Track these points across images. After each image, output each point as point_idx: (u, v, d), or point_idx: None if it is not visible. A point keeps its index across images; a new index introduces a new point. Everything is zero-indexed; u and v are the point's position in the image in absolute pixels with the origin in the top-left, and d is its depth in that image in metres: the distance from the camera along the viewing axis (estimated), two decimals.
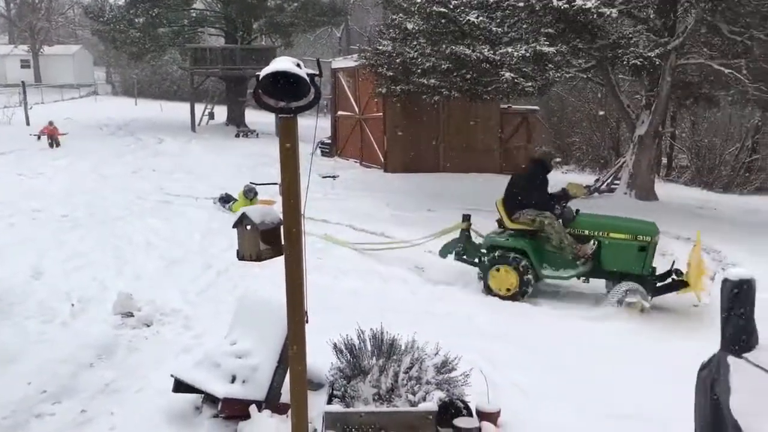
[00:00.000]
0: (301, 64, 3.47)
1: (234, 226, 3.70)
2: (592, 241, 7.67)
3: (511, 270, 7.75)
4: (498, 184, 18.06)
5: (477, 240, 8.73)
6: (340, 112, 22.97)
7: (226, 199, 13.12)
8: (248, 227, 3.65)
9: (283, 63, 3.41)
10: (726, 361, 3.39)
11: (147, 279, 8.04)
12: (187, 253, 9.42)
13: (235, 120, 30.44)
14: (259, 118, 31.54)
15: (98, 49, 54.08)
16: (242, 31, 30.04)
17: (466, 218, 8.84)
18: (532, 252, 7.78)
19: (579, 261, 7.67)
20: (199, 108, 30.13)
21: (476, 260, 8.37)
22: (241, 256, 3.70)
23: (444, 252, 8.87)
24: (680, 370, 5.06)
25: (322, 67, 3.50)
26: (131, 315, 6.59)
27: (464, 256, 8.66)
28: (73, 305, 6.85)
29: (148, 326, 6.43)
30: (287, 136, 3.52)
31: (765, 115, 22.55)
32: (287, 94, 3.41)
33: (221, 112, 31.86)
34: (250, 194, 12.56)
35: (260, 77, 3.37)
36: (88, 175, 16.45)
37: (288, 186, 3.50)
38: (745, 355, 3.32)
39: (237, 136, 27.30)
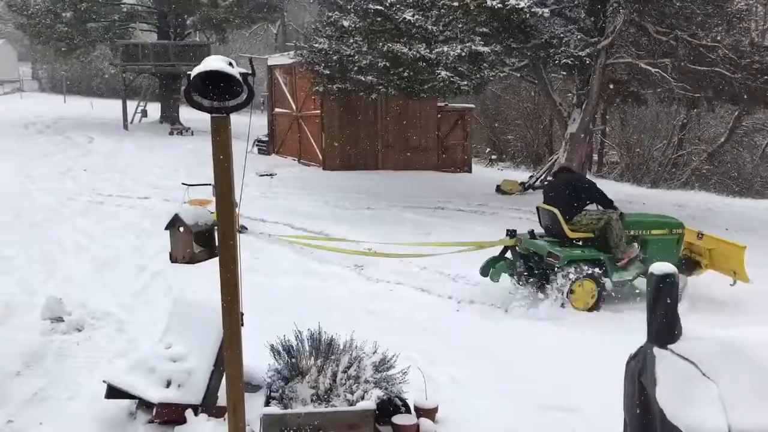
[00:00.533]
0: (234, 62, 3.43)
1: (166, 228, 3.64)
2: (635, 242, 7.76)
3: (592, 282, 7.45)
4: (435, 181, 18.43)
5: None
6: (277, 110, 22.76)
7: None
8: (181, 229, 3.60)
9: (214, 62, 3.36)
10: (652, 352, 3.52)
11: (78, 282, 7.81)
12: (120, 255, 9.19)
13: (169, 117, 29.80)
14: (193, 116, 30.91)
15: (23, 44, 52.10)
16: (175, 27, 29.41)
17: (512, 234, 7.99)
18: (607, 260, 7.60)
19: (621, 262, 7.65)
20: (132, 105, 29.39)
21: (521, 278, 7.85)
22: (174, 259, 3.65)
23: (495, 275, 7.93)
24: (613, 364, 5.24)
25: (257, 64, 3.47)
26: (61, 320, 6.38)
27: (527, 276, 7.84)
28: None
29: (80, 331, 6.25)
30: (220, 136, 3.48)
31: (690, 113, 23.42)
32: (219, 94, 3.37)
33: (155, 110, 31.14)
34: None
35: (191, 76, 3.32)
36: (14, 176, 15.83)
37: (222, 186, 3.46)
38: (670, 346, 3.46)
39: (171, 133, 26.75)
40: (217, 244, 3.49)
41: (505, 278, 7.96)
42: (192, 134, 26.62)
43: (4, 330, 6.20)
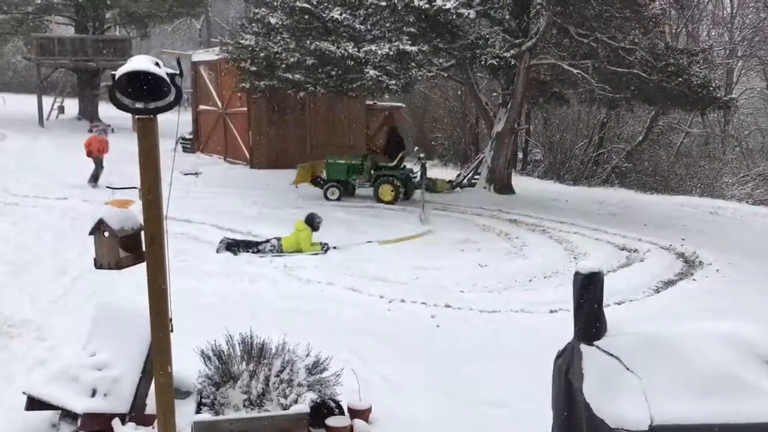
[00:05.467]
0: (161, 62, 3.34)
1: (91, 233, 3.50)
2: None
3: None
4: None
5: None
6: (201, 107, 22.29)
7: (235, 245, 10.04)
8: (106, 234, 3.47)
9: (141, 62, 3.26)
10: (579, 349, 3.63)
11: None
12: (37, 259, 8.79)
13: (88, 114, 28.74)
14: (114, 112, 29.91)
15: None
16: (94, 20, 28.39)
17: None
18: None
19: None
20: (48, 101, 28.21)
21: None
22: (99, 265, 3.51)
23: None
24: (543, 354, 5.35)
25: (182, 60, 3.39)
26: None
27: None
28: None
29: None
30: (146, 138, 3.38)
31: (610, 113, 24.24)
32: (146, 94, 3.27)
33: (72, 106, 29.99)
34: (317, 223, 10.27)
35: (116, 76, 3.21)
36: None
37: (149, 190, 3.36)
38: (596, 342, 3.57)
39: (90, 131, 25.74)
40: (144, 248, 3.39)
41: None
42: (113, 132, 25.74)
43: None
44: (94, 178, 14.89)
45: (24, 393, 4.34)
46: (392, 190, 14.50)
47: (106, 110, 29.49)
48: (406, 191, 15.01)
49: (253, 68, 14.62)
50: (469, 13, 12.80)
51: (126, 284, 6.94)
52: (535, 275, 9.40)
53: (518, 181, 18.58)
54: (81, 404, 4.18)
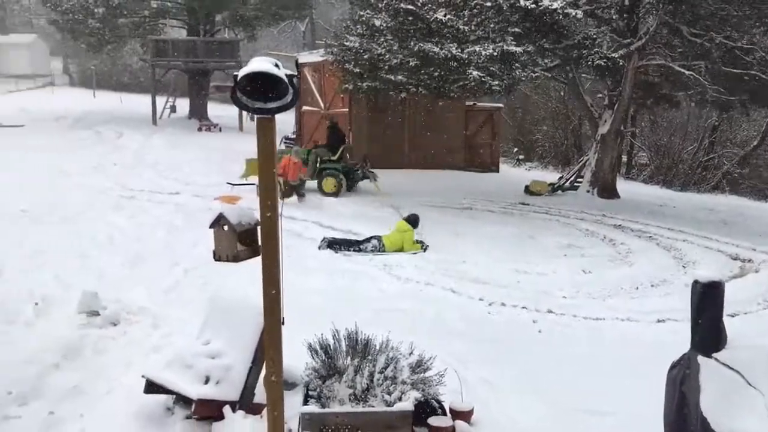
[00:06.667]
0: (280, 64, 3.44)
1: (211, 227, 3.66)
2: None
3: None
4: (462, 181, 18.35)
5: None
6: (304, 107, 22.82)
7: (337, 243, 10.20)
8: (225, 228, 3.62)
9: (262, 63, 3.37)
10: (696, 361, 3.48)
11: (111, 277, 7.88)
12: (152, 251, 9.27)
13: (198, 113, 30.00)
14: (221, 112, 31.16)
15: (55, 39, 52.77)
16: (205, 23, 29.61)
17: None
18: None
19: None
20: (161, 101, 29.65)
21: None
22: (217, 257, 3.66)
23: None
24: (648, 364, 5.17)
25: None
26: (97, 314, 6.45)
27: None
28: (36, 304, 6.69)
29: (115, 325, 6.31)
30: (265, 137, 3.49)
31: (722, 116, 23.09)
32: (264, 94, 3.38)
33: (183, 105, 31.39)
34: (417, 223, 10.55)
35: (238, 77, 3.34)
36: (47, 170, 16.04)
37: (266, 186, 3.48)
38: (714, 355, 3.42)
39: (199, 129, 26.94)
40: (259, 243, 3.52)
41: None
42: (220, 130, 26.80)
43: (42, 323, 6.29)
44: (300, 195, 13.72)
45: (143, 377, 4.57)
46: (335, 184, 14.74)
47: (215, 109, 30.71)
48: (349, 183, 15.28)
49: (357, 69, 14.84)
50: (576, 13, 12.51)
51: (235, 276, 7.24)
52: (641, 283, 9.08)
53: (623, 186, 18.02)
54: (195, 390, 4.35)
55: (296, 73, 3.27)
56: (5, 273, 7.77)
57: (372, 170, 15.26)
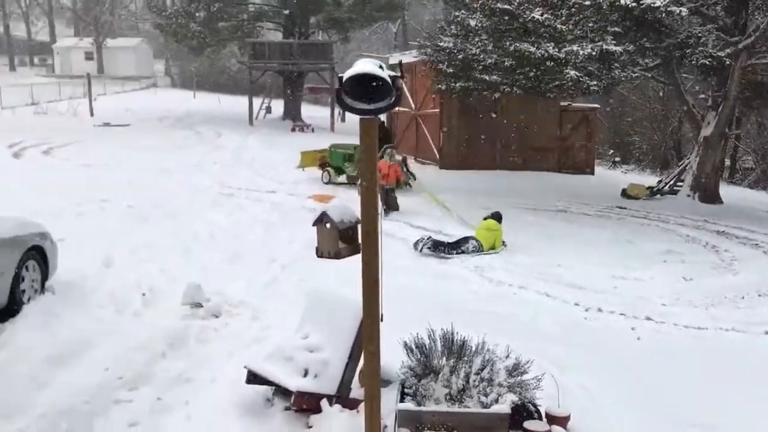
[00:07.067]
0: (383, 65, 3.49)
1: (314, 224, 3.76)
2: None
3: None
4: (556, 182, 18.01)
5: None
6: (396, 108, 22.98)
7: (440, 244, 9.97)
8: (328, 225, 3.70)
9: (367, 65, 3.43)
10: None
11: (213, 271, 8.18)
12: (250, 247, 9.57)
13: (292, 114, 30.74)
14: (314, 113, 31.78)
15: (158, 42, 55.28)
16: (300, 26, 30.29)
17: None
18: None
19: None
20: (257, 102, 30.53)
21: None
22: (320, 254, 3.76)
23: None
24: (757, 377, 4.95)
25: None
26: (200, 306, 6.73)
27: None
28: (144, 295, 7.04)
29: (217, 317, 6.57)
30: (368, 136, 3.56)
31: None
32: (366, 95, 3.43)
33: (278, 106, 32.20)
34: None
35: (343, 79, 3.41)
36: (150, 168, 16.82)
37: (368, 184, 3.54)
38: None
39: (293, 130, 27.58)
40: (360, 241, 3.58)
41: None
42: (313, 131, 27.36)
43: (151, 312, 6.62)
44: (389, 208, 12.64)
45: (245, 367, 4.74)
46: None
47: (308, 111, 31.35)
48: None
49: (450, 69, 14.82)
50: (680, 11, 12.03)
51: (329, 272, 7.37)
52: (747, 292, 8.63)
53: (726, 190, 17.21)
54: (294, 383, 4.47)
55: (400, 74, 3.30)
56: (115, 265, 8.20)
57: (411, 172, 15.46)
